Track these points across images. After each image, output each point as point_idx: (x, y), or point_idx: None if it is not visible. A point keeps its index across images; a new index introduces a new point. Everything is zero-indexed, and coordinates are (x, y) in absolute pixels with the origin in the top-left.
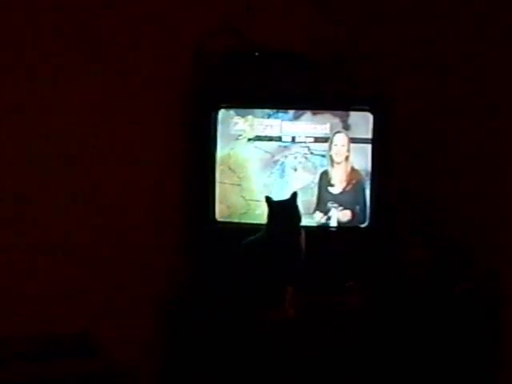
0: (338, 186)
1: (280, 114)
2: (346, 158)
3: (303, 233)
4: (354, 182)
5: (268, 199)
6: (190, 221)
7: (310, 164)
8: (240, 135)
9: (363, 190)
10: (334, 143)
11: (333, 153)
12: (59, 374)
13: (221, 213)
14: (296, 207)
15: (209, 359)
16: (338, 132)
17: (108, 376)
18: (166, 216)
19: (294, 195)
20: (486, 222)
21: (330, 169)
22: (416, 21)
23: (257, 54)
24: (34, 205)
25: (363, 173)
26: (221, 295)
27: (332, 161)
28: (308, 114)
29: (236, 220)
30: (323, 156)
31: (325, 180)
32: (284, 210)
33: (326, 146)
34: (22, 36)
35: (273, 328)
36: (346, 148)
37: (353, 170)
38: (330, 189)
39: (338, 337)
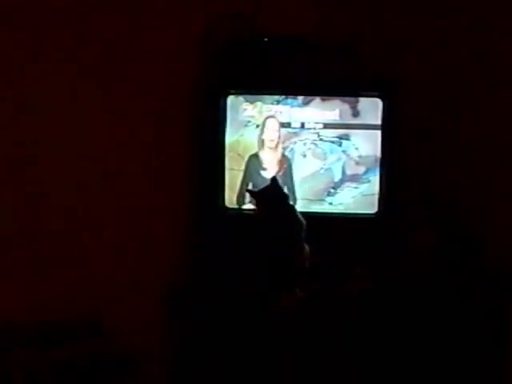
0: (270, 170)
1: (289, 100)
2: (277, 145)
3: (300, 215)
4: (285, 166)
5: (249, 191)
6: (200, 208)
7: (319, 150)
8: (249, 121)
9: (291, 176)
10: (266, 127)
11: (265, 137)
12: (69, 359)
13: (230, 199)
14: (279, 189)
15: (218, 345)
16: (271, 117)
17: (117, 360)
18: (176, 203)
19: (274, 179)
20: (496, 209)
21: (260, 152)
22: (427, 6)
23: (266, 39)
24: (43, 189)
25: (372, 159)
26: (230, 281)
27: (263, 145)
28: (317, 100)
29: (245, 206)
30: (333, 142)
31: (255, 164)
32: (269, 196)
33: (335, 132)
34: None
35: (282, 313)
36: (277, 134)
37: (283, 156)
38: (263, 172)
39: (346, 322)
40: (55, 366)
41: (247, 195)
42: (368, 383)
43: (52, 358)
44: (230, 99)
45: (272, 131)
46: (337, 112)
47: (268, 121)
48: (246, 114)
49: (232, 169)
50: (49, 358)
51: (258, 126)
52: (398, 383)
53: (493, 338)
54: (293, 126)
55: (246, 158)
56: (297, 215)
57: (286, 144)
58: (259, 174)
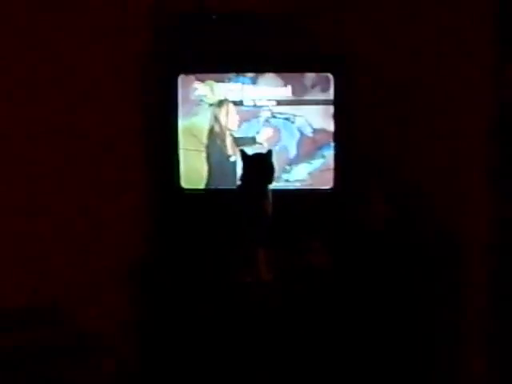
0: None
1: (241, 78)
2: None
3: (270, 191)
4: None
5: (242, 152)
6: (157, 189)
7: (273, 127)
8: (201, 100)
9: None
10: (227, 113)
11: (228, 123)
12: (31, 346)
13: (187, 180)
14: (270, 161)
15: (182, 325)
16: (225, 101)
17: (80, 346)
18: (132, 186)
19: (269, 152)
20: (445, 177)
21: (219, 140)
22: None
23: (214, 16)
24: None
25: (326, 134)
26: (191, 261)
27: (223, 131)
28: (269, 77)
29: (202, 186)
30: (286, 119)
31: (217, 148)
32: (258, 163)
33: (288, 108)
34: None
35: (246, 290)
36: (237, 116)
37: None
38: (230, 158)
39: (306, 295)
40: (16, 353)
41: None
42: (327, 355)
43: (12, 345)
44: (181, 78)
45: (234, 114)
46: (289, 88)
47: (227, 106)
48: (198, 92)
49: (187, 149)
50: (9, 344)
51: (211, 105)
52: (357, 355)
53: (448, 299)
54: (245, 103)
55: (205, 144)
56: (269, 197)
57: (240, 122)
58: (226, 160)
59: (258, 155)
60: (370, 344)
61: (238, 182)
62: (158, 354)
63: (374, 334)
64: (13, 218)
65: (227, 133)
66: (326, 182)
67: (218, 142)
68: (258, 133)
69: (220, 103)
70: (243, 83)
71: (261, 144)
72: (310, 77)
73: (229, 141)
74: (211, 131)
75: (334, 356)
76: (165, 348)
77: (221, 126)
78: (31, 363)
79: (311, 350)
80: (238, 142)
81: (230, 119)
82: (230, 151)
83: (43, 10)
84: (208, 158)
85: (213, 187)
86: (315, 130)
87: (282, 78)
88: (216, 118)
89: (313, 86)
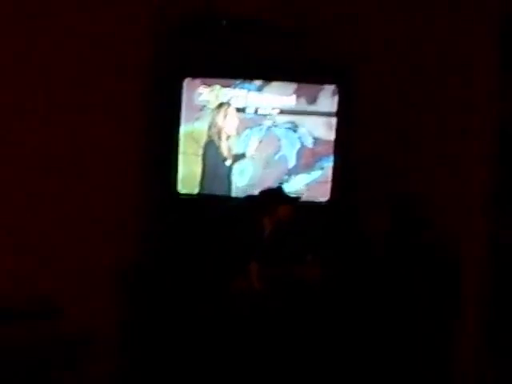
0: (229, 158)
1: (246, 85)
2: (237, 131)
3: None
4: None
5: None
6: (155, 192)
7: (274, 136)
8: (204, 106)
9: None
10: (226, 115)
11: (225, 125)
12: (20, 337)
13: (185, 184)
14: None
15: (172, 328)
16: (227, 104)
17: (69, 338)
18: (131, 189)
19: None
20: (445, 186)
21: (217, 141)
22: None
23: (224, 22)
24: None
25: (326, 146)
26: (185, 267)
27: (220, 133)
28: (274, 85)
29: (199, 191)
30: (288, 128)
31: (213, 152)
32: (285, 200)
33: (291, 118)
34: None
35: (237, 299)
36: (237, 120)
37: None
38: (225, 162)
39: (299, 307)
40: (4, 347)
41: None
42: (318, 366)
43: (6, 336)
44: (186, 81)
45: (233, 118)
46: (293, 98)
47: (226, 109)
48: (202, 97)
49: (186, 152)
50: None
51: (213, 111)
52: (349, 366)
53: (447, 307)
54: (248, 111)
55: (202, 145)
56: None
57: (242, 128)
58: (222, 163)
59: (292, 198)
60: (362, 354)
61: (255, 192)
62: (149, 354)
63: (367, 343)
64: (7, 218)
65: (224, 135)
66: (323, 194)
67: (215, 141)
68: (246, 147)
69: (220, 105)
70: (248, 90)
71: (252, 157)
72: (314, 88)
73: (225, 144)
74: (209, 130)
75: (324, 367)
76: (155, 349)
77: (218, 127)
78: (19, 360)
79: (301, 360)
80: (234, 159)
81: (229, 122)
82: (225, 153)
83: (48, 17)
84: (204, 158)
85: (206, 192)
86: (316, 141)
87: (287, 88)
88: (214, 119)
89: (317, 98)
